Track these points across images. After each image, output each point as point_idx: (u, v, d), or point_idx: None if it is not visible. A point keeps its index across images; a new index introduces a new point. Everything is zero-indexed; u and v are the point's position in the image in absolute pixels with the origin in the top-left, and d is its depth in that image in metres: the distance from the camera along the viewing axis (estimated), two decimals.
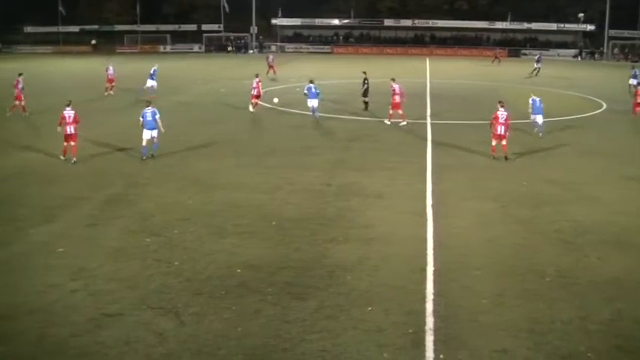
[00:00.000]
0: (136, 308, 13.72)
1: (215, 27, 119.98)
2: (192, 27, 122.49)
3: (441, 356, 12.00)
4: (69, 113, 26.67)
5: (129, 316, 13.38)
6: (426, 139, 32.41)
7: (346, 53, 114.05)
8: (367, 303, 14.10)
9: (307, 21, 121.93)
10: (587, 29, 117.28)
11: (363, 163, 27.43)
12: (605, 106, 47.48)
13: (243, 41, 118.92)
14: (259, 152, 29.13)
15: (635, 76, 55.25)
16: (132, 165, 26.68)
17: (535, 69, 70.23)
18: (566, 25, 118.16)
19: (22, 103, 38.93)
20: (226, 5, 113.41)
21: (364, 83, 42.85)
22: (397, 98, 36.43)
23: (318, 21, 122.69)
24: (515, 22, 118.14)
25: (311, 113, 38.42)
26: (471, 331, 12.99)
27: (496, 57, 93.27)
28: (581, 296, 14.82)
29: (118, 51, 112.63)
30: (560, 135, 35.04)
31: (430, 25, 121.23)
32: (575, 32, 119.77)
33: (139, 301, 14.08)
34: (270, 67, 65.70)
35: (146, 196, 22.28)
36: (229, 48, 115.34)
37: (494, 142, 28.70)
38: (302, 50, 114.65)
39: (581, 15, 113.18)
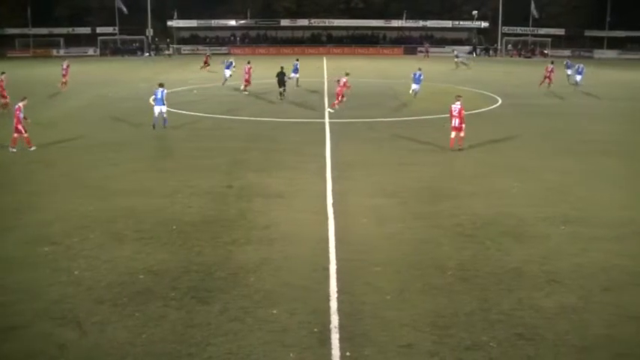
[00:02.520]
0: (37, 320, 13.38)
1: (110, 30, 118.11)
2: (87, 30, 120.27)
3: (348, 354, 12.08)
4: None
5: (29, 329, 13.04)
6: (324, 138, 32.58)
7: (243, 54, 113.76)
8: (271, 304, 14.10)
9: (203, 22, 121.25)
10: (482, 26, 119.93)
11: (263, 163, 27.40)
12: (500, 101, 48.58)
13: (137, 44, 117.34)
14: (157, 156, 28.88)
15: (568, 67, 62.91)
16: (25, 174, 26.04)
17: (457, 63, 71.55)
18: (461, 23, 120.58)
19: None
20: (124, 7, 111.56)
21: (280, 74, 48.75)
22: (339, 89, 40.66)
23: (214, 22, 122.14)
24: (410, 20, 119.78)
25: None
26: (375, 327, 13.10)
27: (427, 52, 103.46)
28: (482, 288, 15.11)
29: (8, 55, 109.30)
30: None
31: (326, 24, 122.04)
32: (470, 29, 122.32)
33: (39, 312, 13.72)
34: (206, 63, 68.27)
35: (43, 203, 21.72)
36: (167, 52, 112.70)
37: (452, 135, 30.16)
38: (199, 52, 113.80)
39: (475, 12, 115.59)
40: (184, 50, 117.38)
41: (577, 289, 15.12)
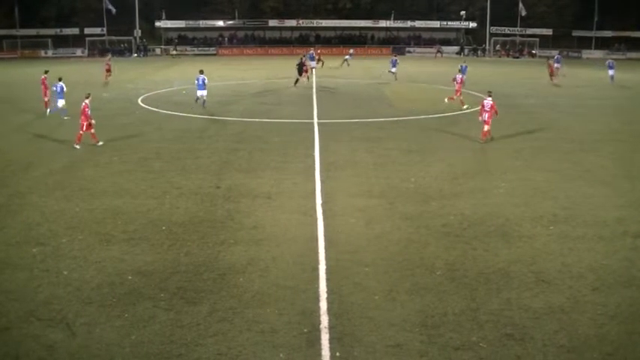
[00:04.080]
0: (24, 321, 13.36)
1: (98, 30, 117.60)
2: (75, 31, 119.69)
3: (337, 354, 12.10)
4: None
5: (17, 330, 13.02)
6: (313, 139, 32.58)
7: (231, 55, 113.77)
8: (260, 304, 14.11)
9: (191, 23, 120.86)
10: (470, 26, 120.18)
11: (251, 164, 27.36)
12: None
13: (125, 45, 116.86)
14: (145, 157, 28.73)
15: (557, 61, 67.30)
16: (13, 175, 25.92)
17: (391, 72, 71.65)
18: (449, 23, 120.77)
19: None
20: (112, 8, 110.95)
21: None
22: None
23: (202, 23, 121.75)
24: (398, 21, 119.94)
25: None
26: (365, 327, 13.13)
27: (438, 51, 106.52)
28: (470, 288, 15.16)
29: None
30: (445, 130, 35.73)
31: (314, 24, 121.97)
32: (458, 29, 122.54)
33: (27, 313, 13.70)
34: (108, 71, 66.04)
35: (30, 205, 21.64)
36: (173, 52, 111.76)
37: (485, 128, 32.30)
38: (187, 53, 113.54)
39: (463, 12, 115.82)
40: (172, 51, 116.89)
41: (566, 289, 15.18)
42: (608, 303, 14.49)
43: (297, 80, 56.45)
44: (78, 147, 30.15)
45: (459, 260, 16.88)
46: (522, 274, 16.08)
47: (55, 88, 38.37)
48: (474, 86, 54.91)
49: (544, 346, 12.53)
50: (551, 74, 62.70)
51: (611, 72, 64.65)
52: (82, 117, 30.26)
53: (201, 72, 43.09)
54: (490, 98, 32.17)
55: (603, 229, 19.61)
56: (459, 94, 44.49)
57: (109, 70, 61.50)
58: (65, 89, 38.34)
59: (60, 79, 38.20)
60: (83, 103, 30.37)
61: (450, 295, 14.73)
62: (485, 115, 32.06)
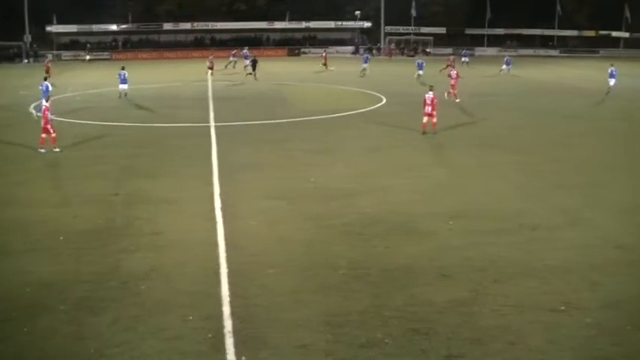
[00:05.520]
0: None
1: None
2: None
3: (243, 358, 12.01)
4: None
5: None
6: (210, 142, 32.36)
7: (126, 59, 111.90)
8: (164, 311, 13.92)
9: (84, 27, 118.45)
10: (365, 26, 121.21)
11: (151, 169, 27.02)
12: (385, 99, 49.11)
13: (15, 50, 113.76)
14: (43, 165, 28.17)
15: (507, 63, 72.04)
16: None
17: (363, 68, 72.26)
18: (344, 23, 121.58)
19: None
20: None
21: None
22: None
23: (95, 27, 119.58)
24: (294, 22, 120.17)
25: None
26: (270, 329, 13.08)
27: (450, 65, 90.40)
28: (374, 285, 15.27)
29: None
30: (346, 130, 36.00)
31: (210, 27, 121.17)
32: (353, 29, 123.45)
33: None
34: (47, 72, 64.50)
35: None
36: (86, 57, 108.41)
37: (424, 120, 33.99)
38: (80, 58, 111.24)
39: (358, 12, 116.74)
40: (65, 56, 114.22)
41: (467, 282, 15.42)
42: (509, 294, 14.79)
43: (253, 75, 63.98)
44: (43, 151, 30.09)
45: (362, 258, 16.99)
46: (425, 269, 16.30)
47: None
48: (370, 86, 55.40)
49: (448, 339, 12.69)
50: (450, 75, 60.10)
51: (507, 67, 70.49)
52: (44, 120, 30.15)
53: (123, 68, 48.53)
54: (432, 92, 34.11)
55: (503, 222, 20.05)
56: (454, 88, 47.91)
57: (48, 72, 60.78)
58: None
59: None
60: (43, 107, 30.61)
61: (354, 294, 14.80)
62: (429, 109, 33.80)
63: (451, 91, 47.91)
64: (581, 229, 19.62)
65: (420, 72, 63.40)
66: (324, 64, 74.57)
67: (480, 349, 12.38)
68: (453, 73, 49.93)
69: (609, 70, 54.26)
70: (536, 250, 17.69)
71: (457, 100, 46.94)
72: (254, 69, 64.79)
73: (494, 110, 44.97)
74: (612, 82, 53.45)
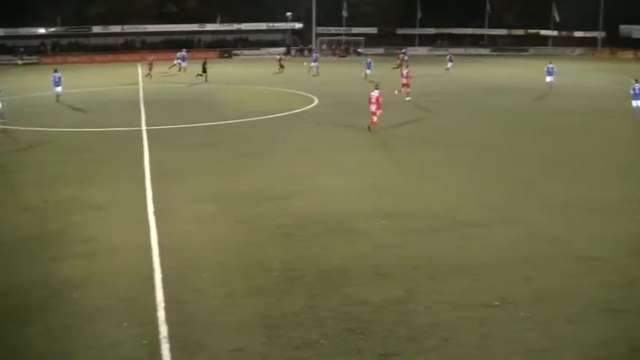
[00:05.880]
0: None
1: None
2: None
3: None
4: None
5: None
6: (142, 147, 32.03)
7: (55, 63, 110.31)
8: (98, 319, 13.73)
9: (10, 31, 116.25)
10: (296, 27, 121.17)
11: (83, 175, 26.60)
12: (317, 100, 49.17)
13: None
14: None
15: (450, 60, 74.48)
16: None
17: (311, 67, 73.20)
18: (275, 25, 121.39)
19: None
20: None
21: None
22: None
23: (23, 30, 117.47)
24: (225, 24, 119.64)
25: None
26: (205, 334, 13.00)
27: (399, 65, 76.92)
28: (309, 286, 15.29)
29: None
30: (276, 131, 35.97)
31: (140, 30, 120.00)
32: (284, 31, 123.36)
33: None
34: None
35: None
36: (19, 61, 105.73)
37: (374, 118, 34.83)
38: (4, 62, 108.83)
39: (289, 14, 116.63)
40: (18, 60, 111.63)
41: (402, 280, 15.52)
42: (442, 291, 14.93)
43: (203, 76, 64.75)
44: None
45: (296, 259, 17.00)
46: (360, 269, 16.35)
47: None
48: (302, 87, 55.40)
49: (384, 337, 12.76)
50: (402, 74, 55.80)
51: (449, 64, 73.56)
52: None
53: (56, 71, 49.56)
54: (377, 91, 34.98)
55: (437, 220, 20.24)
56: (407, 87, 49.30)
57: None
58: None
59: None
60: None
61: (288, 295, 14.80)
62: (373, 107, 34.64)
63: (402, 89, 49.48)
64: (513, 225, 19.88)
65: (368, 71, 64.93)
66: (281, 66, 74.77)
67: (415, 347, 12.46)
68: (405, 72, 50.95)
69: (547, 67, 56.55)
70: (470, 247, 17.91)
71: (407, 99, 48.25)
72: (204, 71, 65.20)
73: (439, 108, 45.69)
74: (549, 78, 56.02)
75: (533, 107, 47.54)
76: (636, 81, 41.05)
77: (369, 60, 67.96)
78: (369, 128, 34.74)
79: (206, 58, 70.64)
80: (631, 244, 18.27)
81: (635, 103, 40.59)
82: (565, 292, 15.05)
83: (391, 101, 43.44)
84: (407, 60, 73.84)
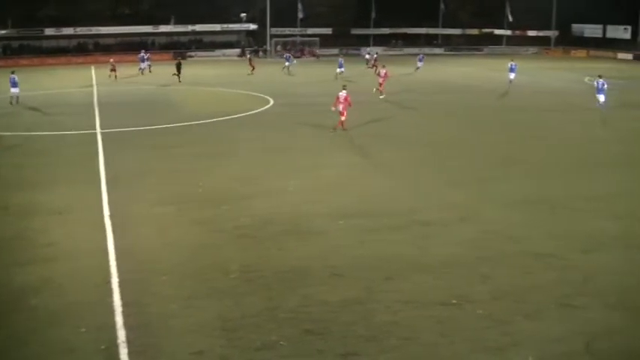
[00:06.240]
0: None
1: None
2: None
3: None
4: None
5: None
6: (97, 150, 31.76)
7: (5, 66, 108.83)
8: (57, 324, 13.67)
9: None
10: (250, 28, 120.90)
11: (39, 179, 26.27)
12: (272, 101, 49.09)
13: None
14: None
15: (420, 60, 75.24)
16: None
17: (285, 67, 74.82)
18: (230, 26, 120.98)
19: None
20: None
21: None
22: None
23: None
24: (179, 25, 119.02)
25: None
26: (165, 337, 13.00)
27: (374, 66, 73.49)
28: (267, 288, 15.32)
29: None
30: (235, 133, 35.90)
31: (93, 32, 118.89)
32: (239, 32, 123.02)
33: None
34: None
35: None
36: None
37: (342, 118, 34.94)
38: None
39: (243, 15, 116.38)
40: None
41: (360, 280, 15.62)
42: (401, 290, 15.06)
43: (177, 77, 64.95)
44: None
45: (253, 261, 17.03)
46: (318, 269, 16.43)
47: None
48: (257, 88, 55.33)
49: (343, 337, 12.85)
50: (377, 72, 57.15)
51: (419, 64, 74.40)
52: None
53: (13, 72, 48.70)
54: (345, 91, 35.15)
55: (395, 219, 20.42)
56: (382, 86, 50.50)
57: None
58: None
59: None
60: None
61: (247, 297, 14.83)
62: (340, 107, 34.82)
63: (379, 88, 50.67)
64: (471, 224, 20.11)
65: (340, 70, 65.93)
66: (252, 67, 74.83)
67: (375, 346, 12.56)
68: (382, 71, 51.81)
69: (510, 65, 59.44)
70: (428, 246, 18.08)
71: (381, 97, 49.42)
72: (179, 72, 65.51)
73: (407, 107, 46.25)
74: (512, 75, 59.01)
75: (497, 105, 48.75)
76: (599, 77, 42.93)
77: (340, 60, 68.73)
78: (334, 129, 34.83)
79: (180, 59, 70.92)
80: (587, 240, 18.59)
81: (598, 97, 42.17)
82: (522, 289, 15.27)
83: (363, 100, 43.75)
84: (376, 59, 75.49)
